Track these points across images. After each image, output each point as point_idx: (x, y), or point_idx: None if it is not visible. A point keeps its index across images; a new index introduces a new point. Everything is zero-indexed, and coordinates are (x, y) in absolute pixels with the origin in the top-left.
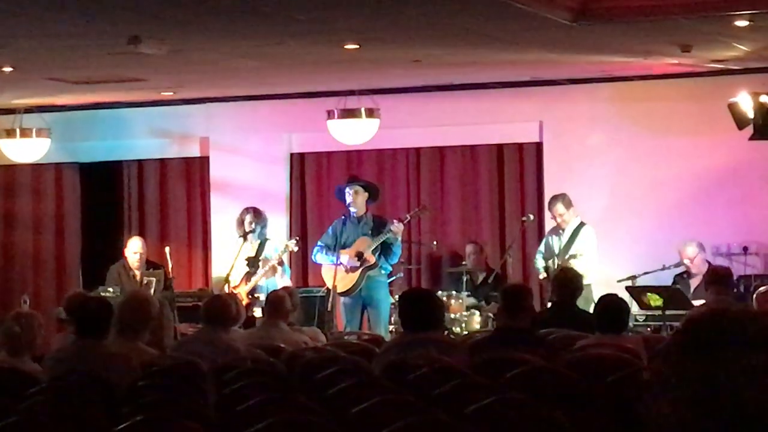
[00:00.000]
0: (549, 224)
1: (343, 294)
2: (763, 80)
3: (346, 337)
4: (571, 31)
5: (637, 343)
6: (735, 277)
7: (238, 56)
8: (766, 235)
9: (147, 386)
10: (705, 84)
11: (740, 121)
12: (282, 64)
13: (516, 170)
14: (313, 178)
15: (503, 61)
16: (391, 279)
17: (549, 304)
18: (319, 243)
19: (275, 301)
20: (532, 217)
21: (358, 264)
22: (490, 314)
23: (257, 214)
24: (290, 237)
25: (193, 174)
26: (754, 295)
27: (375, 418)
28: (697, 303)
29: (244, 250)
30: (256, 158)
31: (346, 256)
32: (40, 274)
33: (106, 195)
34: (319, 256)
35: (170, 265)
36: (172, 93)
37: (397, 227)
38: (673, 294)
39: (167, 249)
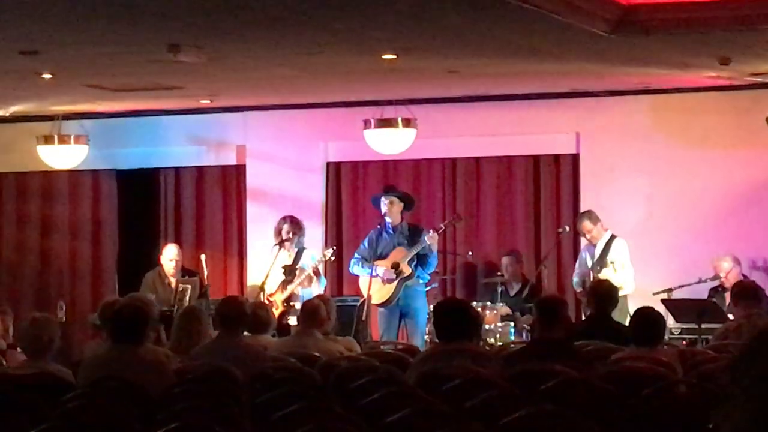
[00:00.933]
0: (584, 238)
1: (380, 305)
2: None
3: (381, 347)
4: (609, 43)
5: (672, 357)
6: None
7: (275, 65)
8: None
9: (182, 393)
10: (743, 97)
11: None
12: (319, 73)
13: (552, 181)
14: (349, 188)
15: (540, 72)
16: (427, 289)
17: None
18: (356, 255)
19: (310, 310)
20: (567, 228)
21: (394, 276)
22: (526, 325)
23: (295, 223)
24: (326, 246)
25: (230, 182)
26: None
27: (409, 428)
28: (732, 317)
29: (280, 259)
30: (292, 167)
31: (382, 268)
32: (76, 281)
33: (143, 202)
34: (356, 269)
35: (206, 273)
36: (209, 101)
37: (432, 237)
38: (708, 307)
39: (203, 256)
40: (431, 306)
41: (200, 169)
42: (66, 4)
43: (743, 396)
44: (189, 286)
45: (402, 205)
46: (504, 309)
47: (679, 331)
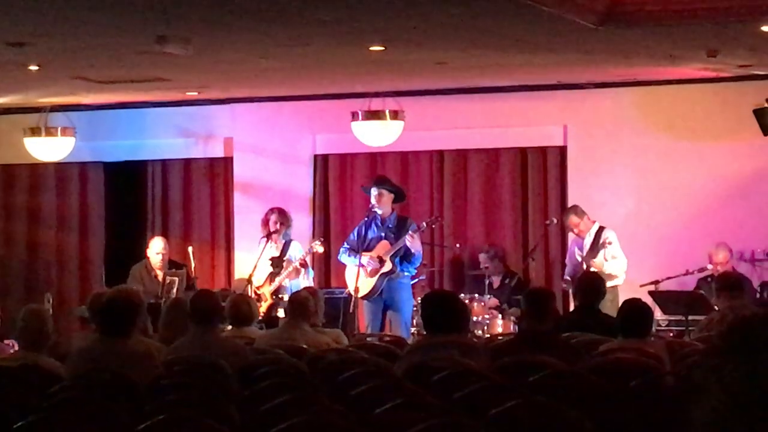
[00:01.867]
0: (572, 233)
1: (364, 297)
2: None
3: (368, 339)
4: (597, 35)
5: (659, 348)
6: (758, 283)
7: (263, 57)
8: None
9: (170, 385)
10: (730, 89)
11: (765, 127)
12: (307, 65)
13: (539, 174)
14: (337, 180)
15: (528, 65)
16: (414, 281)
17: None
18: (345, 244)
19: (298, 302)
20: (555, 220)
21: (378, 264)
22: (513, 317)
23: (283, 215)
24: (313, 238)
25: (217, 174)
26: None
27: (397, 420)
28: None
29: (267, 251)
30: (279, 159)
31: (366, 257)
32: (63, 273)
33: (130, 194)
34: (344, 257)
35: (193, 265)
36: (196, 93)
37: (411, 237)
38: (695, 299)
39: (190, 249)
40: (418, 298)
41: (187, 162)
42: None
43: (716, 387)
44: (176, 279)
45: (392, 196)
46: (492, 301)
47: (667, 322)
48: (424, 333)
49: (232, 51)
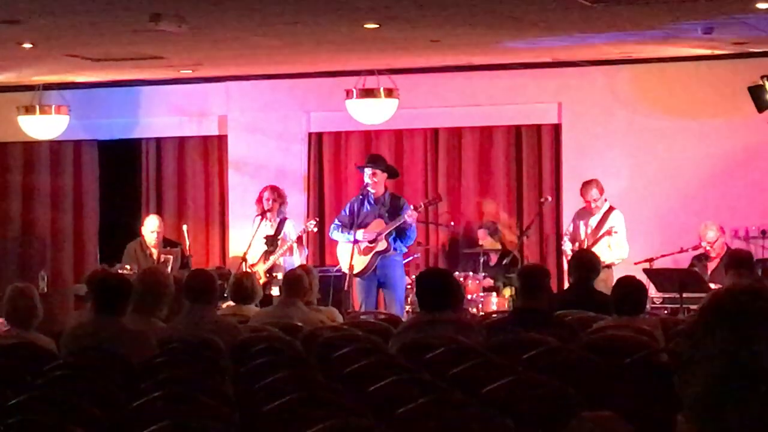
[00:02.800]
0: (567, 206)
1: (357, 275)
2: None
3: (363, 317)
4: (591, 12)
5: (653, 326)
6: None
7: (257, 35)
8: None
9: (165, 363)
10: (725, 66)
11: (760, 104)
12: (301, 43)
13: (534, 151)
14: (331, 158)
15: (522, 42)
16: (409, 259)
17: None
18: (336, 221)
19: (292, 280)
20: (549, 198)
21: (373, 242)
22: (508, 295)
23: (278, 193)
24: (308, 215)
25: (212, 152)
26: None
27: (392, 397)
28: (714, 286)
29: (262, 229)
30: (274, 137)
31: (361, 231)
32: (58, 251)
33: (125, 172)
34: (336, 234)
35: (187, 243)
36: (191, 71)
37: (411, 215)
38: (690, 276)
39: (185, 227)
40: (413, 276)
41: (182, 140)
42: None
43: (697, 369)
44: (171, 257)
45: (385, 175)
46: (486, 281)
47: (661, 300)
48: (419, 311)
49: (227, 29)
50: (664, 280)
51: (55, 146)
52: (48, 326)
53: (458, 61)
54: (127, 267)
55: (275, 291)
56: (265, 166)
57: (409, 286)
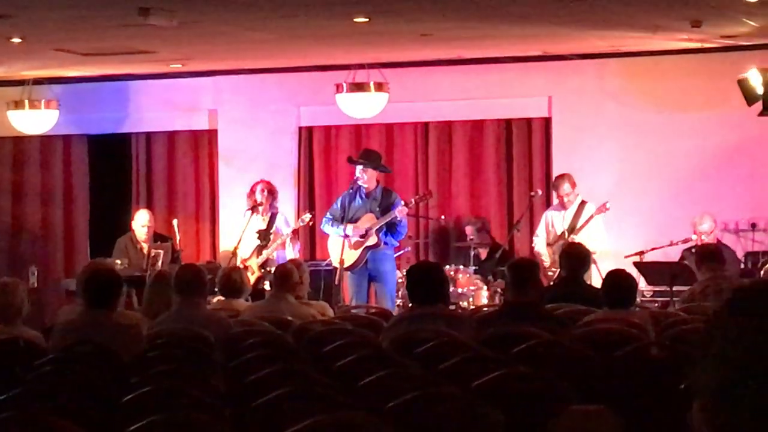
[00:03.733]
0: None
1: (347, 269)
2: None
3: (353, 311)
4: (581, 6)
5: (644, 319)
6: (743, 254)
7: (247, 29)
8: None
9: (155, 357)
10: (714, 60)
11: (750, 97)
12: (291, 37)
13: (524, 145)
14: (322, 152)
15: (512, 36)
16: (399, 253)
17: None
18: (327, 214)
19: (283, 274)
20: (540, 192)
21: (363, 236)
22: (498, 289)
23: (268, 187)
24: (298, 209)
25: (202, 147)
26: (762, 272)
27: (382, 391)
28: None
29: (253, 223)
30: (264, 131)
31: (351, 226)
32: (48, 246)
33: (115, 167)
34: (327, 227)
35: (178, 238)
36: (181, 65)
37: (402, 211)
38: (680, 269)
39: (175, 221)
40: (404, 270)
41: (172, 134)
42: None
43: (715, 358)
44: (161, 251)
45: (377, 171)
46: (477, 273)
47: (651, 293)
48: (410, 304)
49: (216, 23)
50: (655, 273)
51: (45, 141)
52: (38, 321)
53: (448, 55)
54: (118, 261)
55: (268, 286)
56: (255, 160)
57: (400, 280)
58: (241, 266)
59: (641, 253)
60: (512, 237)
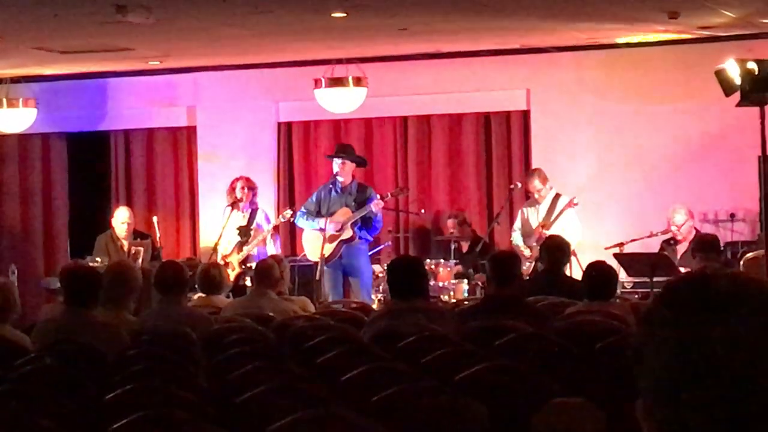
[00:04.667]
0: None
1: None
2: (749, 46)
3: (334, 306)
4: None
5: (624, 310)
6: (722, 244)
7: (225, 25)
8: (753, 201)
9: (137, 355)
10: (692, 51)
11: (727, 88)
12: (269, 33)
13: (503, 138)
14: (301, 147)
15: (490, 29)
16: (380, 247)
17: (531, 272)
18: (302, 209)
19: (264, 270)
20: (519, 185)
21: (339, 230)
22: (479, 283)
23: (249, 183)
24: (278, 205)
25: (181, 143)
26: (741, 262)
27: (364, 386)
28: (684, 270)
29: (233, 220)
30: (243, 127)
31: (325, 220)
32: (27, 244)
33: (94, 165)
34: (302, 221)
35: (158, 235)
36: (159, 62)
37: (377, 204)
38: (660, 261)
39: (155, 218)
40: (385, 265)
41: (151, 131)
42: None
43: (656, 345)
44: (142, 249)
45: (354, 165)
46: (456, 268)
47: (632, 285)
48: (391, 299)
49: (194, 19)
50: (635, 264)
51: (24, 139)
52: (18, 320)
53: (426, 49)
54: (98, 259)
55: (249, 282)
56: (234, 156)
57: (381, 275)
58: (222, 263)
59: (621, 244)
60: (492, 230)
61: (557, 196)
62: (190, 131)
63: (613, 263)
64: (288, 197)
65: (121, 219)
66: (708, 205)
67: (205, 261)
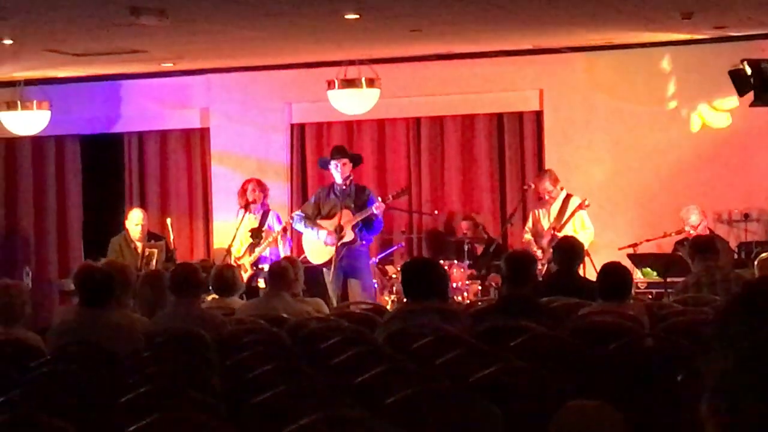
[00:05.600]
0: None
1: (323, 265)
2: (763, 46)
3: (349, 307)
4: (571, 0)
5: (639, 311)
6: (736, 244)
7: (237, 27)
8: (767, 201)
9: (152, 357)
10: (705, 51)
11: (741, 88)
12: (282, 35)
13: (516, 139)
14: (314, 148)
15: (503, 30)
16: (393, 249)
17: (545, 273)
18: (299, 212)
19: (278, 272)
20: (533, 185)
21: (335, 241)
22: (492, 283)
23: (260, 185)
24: (291, 206)
25: (194, 145)
26: (755, 262)
27: (379, 387)
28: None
29: (246, 222)
30: (256, 129)
31: (324, 232)
32: (42, 247)
33: (107, 167)
34: (299, 225)
35: (172, 237)
36: (172, 64)
37: (379, 207)
38: (674, 261)
39: (168, 220)
40: (397, 266)
41: (164, 133)
42: None
43: (728, 346)
44: (156, 250)
45: (351, 165)
46: (471, 268)
47: (645, 285)
48: (405, 300)
49: (207, 21)
50: (649, 264)
51: (37, 142)
52: (32, 322)
53: (439, 50)
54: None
55: (261, 283)
56: (247, 157)
57: (394, 275)
58: (235, 264)
59: (635, 245)
60: (506, 231)
61: (568, 196)
62: (204, 133)
63: (627, 263)
64: (301, 198)
65: (134, 221)
66: (722, 205)
67: (218, 262)
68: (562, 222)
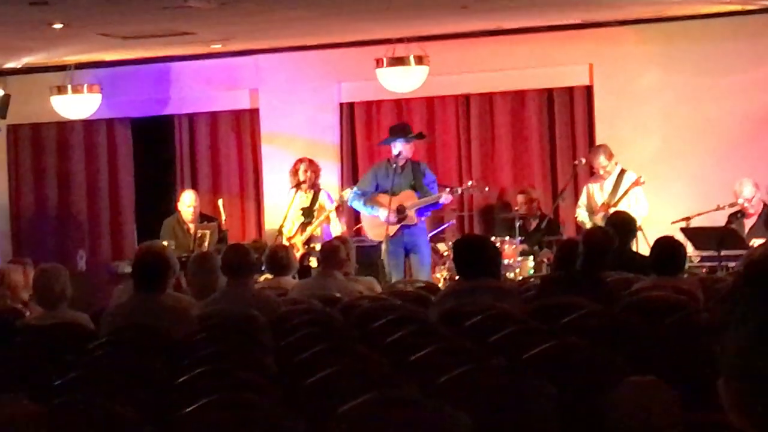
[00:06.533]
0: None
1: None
2: None
3: (400, 286)
4: None
5: (693, 285)
6: None
7: (286, 7)
8: None
9: (206, 339)
10: (757, 22)
11: None
12: (330, 13)
13: (566, 114)
14: (364, 127)
15: (552, 4)
16: (444, 226)
17: None
18: (356, 189)
19: (330, 251)
20: (584, 161)
21: (396, 220)
22: (544, 260)
23: (311, 165)
24: (342, 185)
25: (244, 126)
26: None
27: (432, 366)
28: (755, 242)
29: (297, 201)
30: (306, 109)
31: (385, 211)
32: (95, 230)
33: (158, 149)
34: (356, 204)
35: (223, 218)
36: (220, 46)
37: (446, 198)
38: (728, 234)
39: (220, 201)
40: (449, 243)
41: (214, 115)
42: None
43: (741, 320)
44: (208, 232)
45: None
46: (520, 246)
47: (699, 259)
48: (457, 278)
49: (255, 2)
50: (702, 238)
51: (88, 125)
52: (86, 305)
53: (488, 26)
54: (165, 243)
55: (313, 263)
56: (297, 137)
57: (446, 253)
58: (287, 244)
59: (688, 218)
60: (557, 207)
61: (623, 171)
62: (253, 113)
63: (680, 237)
64: (352, 177)
65: (186, 202)
66: None
67: (270, 243)
68: (617, 198)
